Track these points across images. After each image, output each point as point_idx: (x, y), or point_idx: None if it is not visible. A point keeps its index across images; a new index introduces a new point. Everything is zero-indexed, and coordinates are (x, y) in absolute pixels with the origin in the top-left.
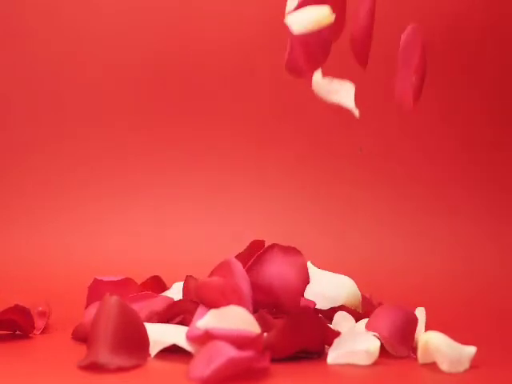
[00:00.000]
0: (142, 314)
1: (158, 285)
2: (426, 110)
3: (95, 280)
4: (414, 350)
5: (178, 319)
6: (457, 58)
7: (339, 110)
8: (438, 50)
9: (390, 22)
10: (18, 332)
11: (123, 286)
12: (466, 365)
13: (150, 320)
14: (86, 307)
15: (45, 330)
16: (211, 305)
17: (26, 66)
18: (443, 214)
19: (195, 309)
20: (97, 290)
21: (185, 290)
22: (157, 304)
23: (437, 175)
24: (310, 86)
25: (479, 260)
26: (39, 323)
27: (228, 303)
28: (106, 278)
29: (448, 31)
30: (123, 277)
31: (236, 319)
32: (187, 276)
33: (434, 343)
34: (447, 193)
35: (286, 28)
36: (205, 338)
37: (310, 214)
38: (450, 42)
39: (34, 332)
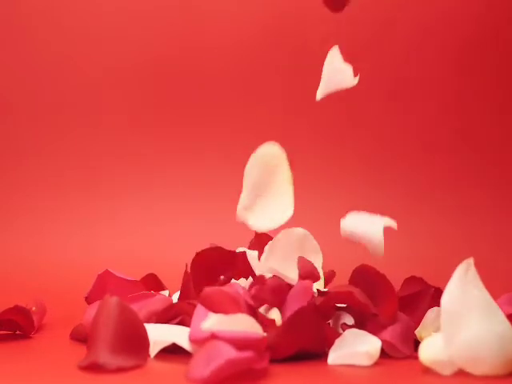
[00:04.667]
0: (141, 314)
1: (154, 282)
2: (434, 109)
3: (106, 271)
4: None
5: (176, 320)
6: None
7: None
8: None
9: (392, 21)
10: (18, 332)
11: (130, 286)
12: None
13: (149, 320)
14: (88, 295)
15: (41, 329)
16: (215, 311)
17: (26, 66)
18: (455, 213)
19: (193, 310)
20: (104, 282)
21: (184, 284)
22: (156, 304)
23: (447, 174)
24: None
25: (484, 258)
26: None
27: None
28: (117, 274)
29: (447, 28)
30: (134, 278)
31: (239, 322)
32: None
33: (434, 344)
34: (459, 192)
35: (285, 29)
36: (208, 340)
37: (316, 212)
38: (451, 42)
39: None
